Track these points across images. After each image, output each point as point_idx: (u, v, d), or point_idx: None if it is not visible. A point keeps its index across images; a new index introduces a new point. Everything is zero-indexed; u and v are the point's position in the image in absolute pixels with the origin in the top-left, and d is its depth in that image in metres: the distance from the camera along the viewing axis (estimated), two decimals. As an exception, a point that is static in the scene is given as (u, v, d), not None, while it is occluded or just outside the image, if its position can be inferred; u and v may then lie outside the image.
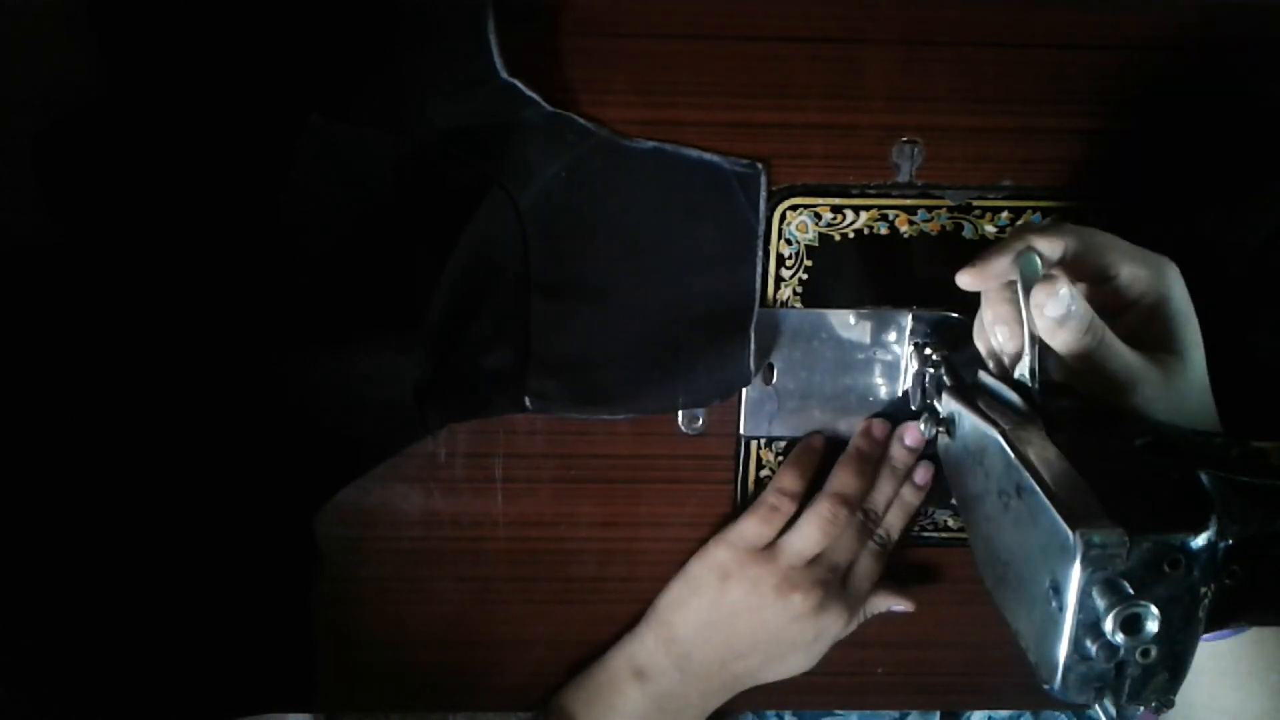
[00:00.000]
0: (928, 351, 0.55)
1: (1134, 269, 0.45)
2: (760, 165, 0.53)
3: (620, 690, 0.59)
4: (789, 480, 0.58)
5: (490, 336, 0.54)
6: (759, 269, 0.55)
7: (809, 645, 0.59)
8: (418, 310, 0.53)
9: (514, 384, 0.55)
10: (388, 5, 0.50)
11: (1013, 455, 0.41)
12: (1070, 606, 0.35)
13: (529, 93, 0.50)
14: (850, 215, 0.55)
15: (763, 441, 0.59)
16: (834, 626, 0.58)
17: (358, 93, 0.51)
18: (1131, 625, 0.34)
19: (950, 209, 0.55)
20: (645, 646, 0.59)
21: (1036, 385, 0.45)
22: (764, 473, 0.60)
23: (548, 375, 0.55)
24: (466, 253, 0.52)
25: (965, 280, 0.47)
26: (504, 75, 0.50)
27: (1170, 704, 0.37)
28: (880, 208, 0.54)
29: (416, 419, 0.55)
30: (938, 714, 0.70)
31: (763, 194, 0.54)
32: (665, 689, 0.59)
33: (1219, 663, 0.48)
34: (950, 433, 0.51)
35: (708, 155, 0.53)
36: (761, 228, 0.54)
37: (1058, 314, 0.41)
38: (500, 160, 0.52)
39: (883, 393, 0.58)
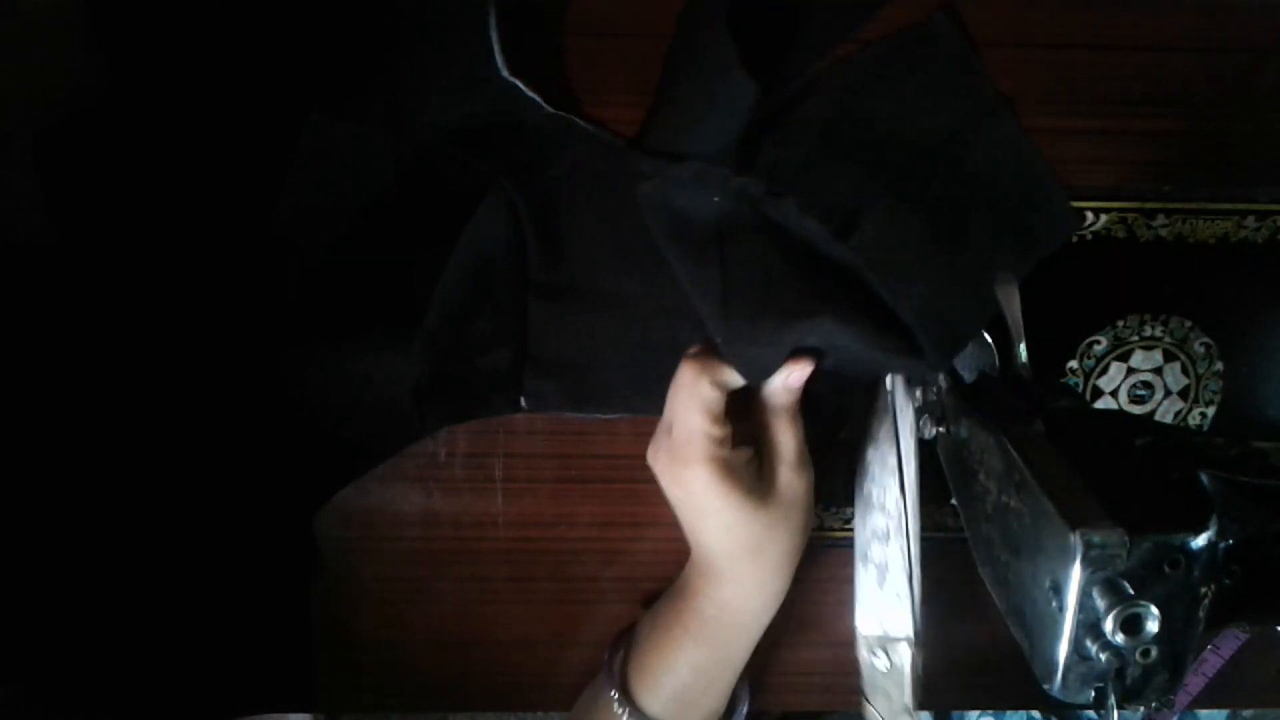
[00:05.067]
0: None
1: None
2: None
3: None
4: None
5: (488, 336, 0.54)
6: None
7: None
8: (416, 310, 0.53)
9: (511, 384, 0.55)
10: (390, 5, 0.50)
11: (1013, 455, 0.41)
12: (1070, 606, 0.35)
13: (529, 94, 0.50)
14: (850, 215, 0.54)
15: (763, 441, 0.59)
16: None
17: (359, 91, 0.51)
18: (1131, 625, 0.34)
19: (950, 209, 0.55)
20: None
21: (1031, 375, 0.45)
22: (764, 473, 0.60)
23: (544, 376, 0.55)
24: (465, 253, 0.52)
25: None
26: (505, 75, 0.50)
27: (1170, 704, 0.37)
28: (880, 208, 0.54)
29: (414, 420, 0.55)
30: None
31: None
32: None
33: None
34: (950, 433, 0.51)
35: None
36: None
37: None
38: (500, 161, 0.52)
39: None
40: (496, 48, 0.49)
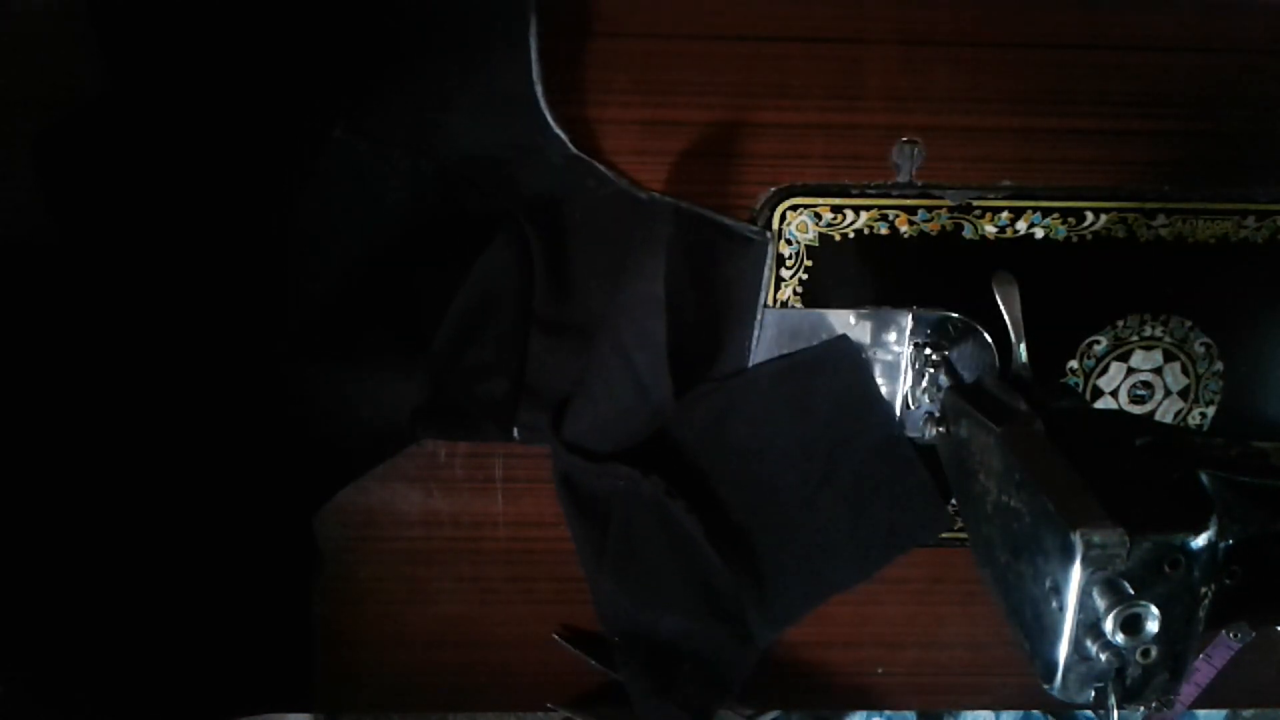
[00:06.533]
0: (927, 351, 0.55)
1: None
2: (769, 234, 0.53)
3: None
4: None
5: (488, 364, 0.55)
6: (755, 334, 0.55)
7: None
8: (422, 334, 0.53)
9: (505, 413, 0.56)
10: (426, 15, 0.50)
11: (1012, 455, 0.41)
12: (1070, 606, 0.35)
13: (556, 129, 0.51)
14: (850, 215, 0.55)
15: (762, 442, 0.59)
16: None
17: (386, 105, 0.51)
18: (1131, 625, 0.34)
19: (950, 209, 0.55)
20: None
21: (1031, 375, 0.45)
22: (764, 473, 0.60)
23: (538, 408, 0.56)
24: (475, 282, 0.53)
25: None
26: (540, 98, 0.50)
27: (1170, 704, 0.37)
28: (880, 208, 0.54)
29: (406, 434, 0.55)
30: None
31: (768, 262, 0.54)
32: None
33: None
34: (950, 433, 0.51)
35: (719, 217, 0.53)
36: (763, 297, 0.55)
37: None
38: (519, 195, 0.53)
39: (883, 393, 0.58)
40: (534, 59, 0.49)
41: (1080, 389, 0.58)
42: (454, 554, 0.60)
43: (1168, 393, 0.59)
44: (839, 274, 0.56)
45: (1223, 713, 1.10)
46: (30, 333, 0.52)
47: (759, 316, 0.55)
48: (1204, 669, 0.63)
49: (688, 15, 0.51)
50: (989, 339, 0.54)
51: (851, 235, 0.55)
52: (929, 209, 0.55)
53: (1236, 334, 0.58)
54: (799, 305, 0.56)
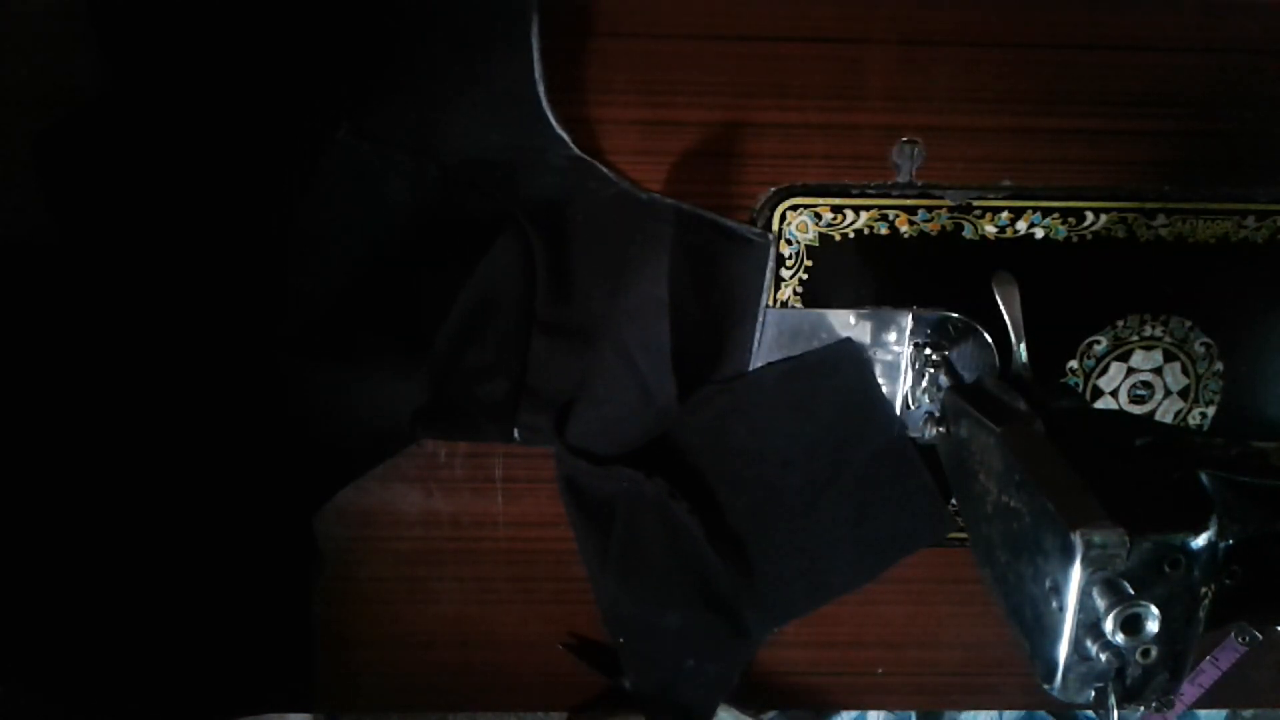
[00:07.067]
0: (928, 351, 0.55)
1: None
2: (771, 235, 0.53)
3: None
4: None
5: (489, 366, 0.55)
6: (758, 335, 0.55)
7: None
8: (422, 335, 0.53)
9: (506, 414, 0.56)
10: (427, 18, 0.50)
11: (1012, 455, 0.41)
12: (1070, 606, 0.35)
13: (558, 130, 0.51)
14: (850, 215, 0.55)
15: (763, 442, 0.59)
16: None
17: (390, 107, 0.51)
18: (1131, 625, 0.34)
19: (950, 209, 0.55)
20: None
21: (1031, 375, 0.45)
22: (764, 473, 0.60)
23: (539, 410, 0.56)
24: (477, 284, 0.53)
25: None
26: (542, 96, 0.50)
27: (1170, 704, 0.37)
28: (880, 208, 0.54)
29: (406, 435, 0.55)
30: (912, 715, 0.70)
31: (770, 264, 0.54)
32: None
33: None
34: (950, 433, 0.51)
35: (721, 219, 0.53)
36: (765, 298, 0.55)
37: None
38: (521, 197, 0.53)
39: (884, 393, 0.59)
40: (536, 60, 0.49)
41: (1080, 389, 0.58)
42: (454, 554, 0.60)
43: (1168, 393, 0.59)
44: (839, 274, 0.56)
45: (1223, 713, 1.10)
46: (30, 333, 0.52)
47: (761, 318, 0.55)
48: (1209, 671, 0.63)
49: (688, 15, 0.51)
50: (989, 339, 0.54)
51: (851, 235, 0.55)
52: (929, 209, 0.55)
53: (1236, 334, 0.58)
54: (799, 305, 0.56)
